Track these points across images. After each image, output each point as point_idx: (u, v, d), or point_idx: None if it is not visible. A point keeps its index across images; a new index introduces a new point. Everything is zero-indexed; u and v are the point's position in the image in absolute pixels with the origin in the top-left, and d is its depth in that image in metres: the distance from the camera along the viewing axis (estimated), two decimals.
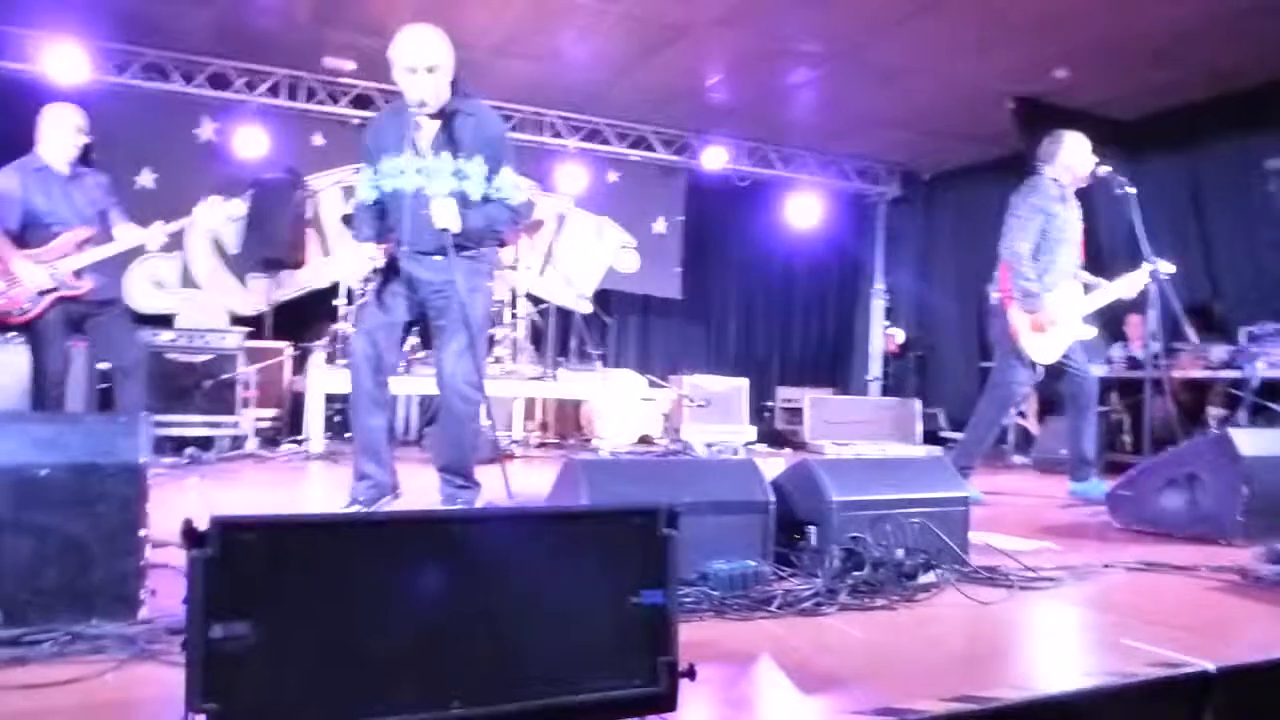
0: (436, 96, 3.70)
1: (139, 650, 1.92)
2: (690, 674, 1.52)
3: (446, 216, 3.65)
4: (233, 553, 1.22)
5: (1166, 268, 5.41)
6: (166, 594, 2.17)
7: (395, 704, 1.30)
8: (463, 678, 1.35)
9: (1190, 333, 6.11)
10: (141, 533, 2.15)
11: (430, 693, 1.32)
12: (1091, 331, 5.41)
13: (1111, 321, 7.95)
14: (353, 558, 1.31)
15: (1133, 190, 5.37)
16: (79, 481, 2.09)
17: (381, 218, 3.93)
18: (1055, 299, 5.18)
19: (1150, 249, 5.37)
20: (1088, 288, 5.43)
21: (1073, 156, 5.29)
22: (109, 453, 2.13)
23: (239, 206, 5.37)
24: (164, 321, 7.80)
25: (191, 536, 1.21)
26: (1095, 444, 5.54)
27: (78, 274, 4.91)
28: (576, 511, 1.71)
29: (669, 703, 1.49)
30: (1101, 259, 5.55)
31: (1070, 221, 5.30)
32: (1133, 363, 7.73)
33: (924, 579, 2.76)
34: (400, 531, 1.38)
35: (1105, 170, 5.41)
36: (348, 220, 8.04)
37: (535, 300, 8.66)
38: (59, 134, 4.96)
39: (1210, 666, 2.00)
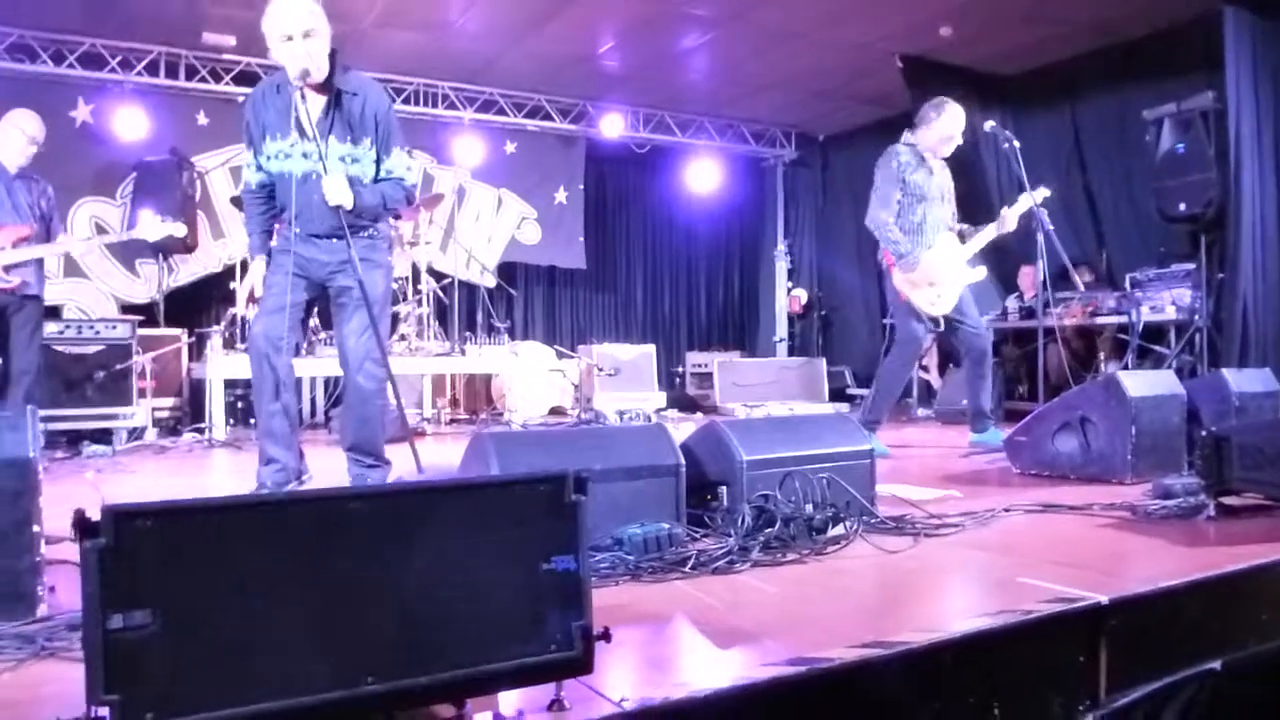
0: (318, 65, 3.60)
1: (38, 648, 1.87)
2: (605, 637, 1.53)
3: (339, 193, 3.57)
4: (128, 541, 1.19)
5: (1040, 194, 5.55)
6: (67, 590, 2.11)
7: (307, 685, 1.28)
8: (375, 654, 1.34)
9: (1076, 280, 6.31)
10: (34, 529, 2.07)
11: (342, 671, 1.31)
12: (981, 272, 5.50)
13: (1005, 273, 8.18)
14: (255, 540, 1.29)
15: (1017, 144, 5.51)
16: None
17: (270, 200, 3.87)
18: (933, 255, 5.28)
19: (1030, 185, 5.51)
20: (963, 236, 5.53)
21: (950, 127, 5.36)
22: None
23: (181, 228, 5.76)
24: (50, 313, 7.48)
25: (83, 527, 1.18)
26: (991, 395, 5.69)
27: (6, 269, 5.17)
28: (483, 482, 1.69)
29: (585, 666, 1.51)
30: (994, 212, 5.70)
31: (935, 182, 5.39)
32: (1026, 313, 7.96)
33: (833, 532, 2.83)
34: (302, 511, 1.36)
35: (990, 125, 5.53)
36: (238, 203, 7.82)
37: (438, 276, 8.55)
38: (12, 139, 5.30)
39: (1103, 599, 2.10)
